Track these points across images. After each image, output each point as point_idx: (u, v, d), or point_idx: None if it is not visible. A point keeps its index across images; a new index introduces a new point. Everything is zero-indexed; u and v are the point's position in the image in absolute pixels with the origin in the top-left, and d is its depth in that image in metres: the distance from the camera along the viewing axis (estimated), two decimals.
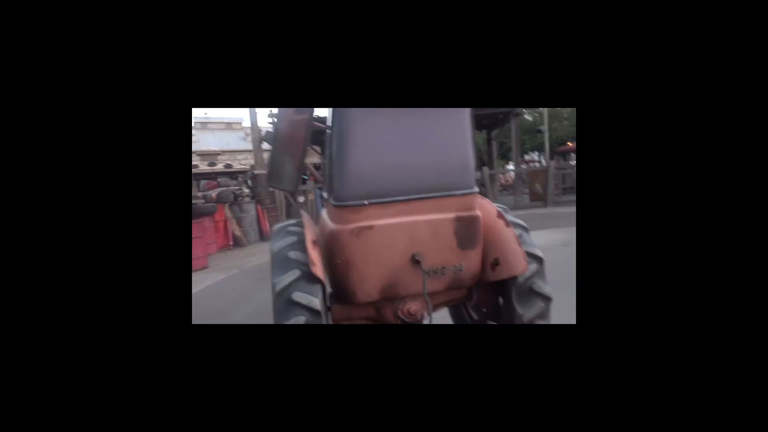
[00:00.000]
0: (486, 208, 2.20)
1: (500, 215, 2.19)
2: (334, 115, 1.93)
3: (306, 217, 2.26)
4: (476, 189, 2.07)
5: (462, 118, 2.04)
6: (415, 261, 1.94)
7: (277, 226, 2.19)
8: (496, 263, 2.06)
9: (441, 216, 1.97)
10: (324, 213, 2.19)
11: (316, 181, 2.79)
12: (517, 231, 2.16)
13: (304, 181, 10.00)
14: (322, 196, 2.39)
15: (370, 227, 1.87)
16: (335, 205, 1.88)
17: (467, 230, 2.02)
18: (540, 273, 2.10)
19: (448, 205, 1.99)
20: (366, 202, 1.85)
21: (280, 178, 2.41)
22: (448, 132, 2.00)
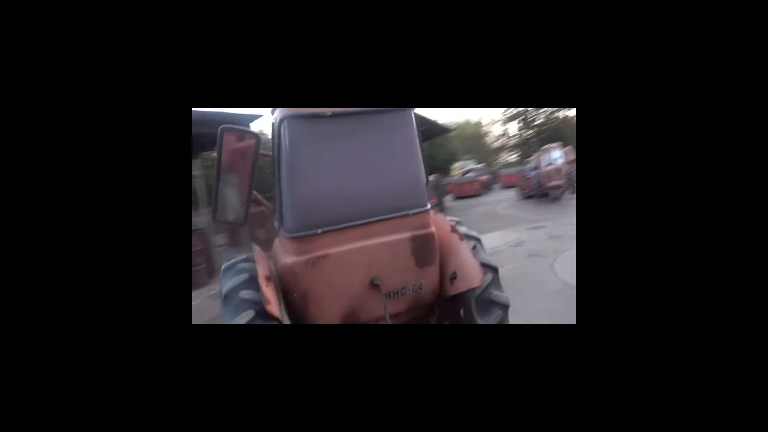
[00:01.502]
0: (439, 224, 2.21)
1: (453, 229, 2.20)
2: (275, 140, 1.86)
3: (258, 251, 2.15)
4: (429, 206, 2.07)
5: (410, 134, 2.02)
6: (374, 285, 1.92)
7: (226, 263, 2.06)
8: (453, 277, 2.07)
9: (397, 237, 1.96)
10: (276, 244, 2.11)
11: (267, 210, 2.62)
12: (471, 243, 2.18)
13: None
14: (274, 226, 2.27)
15: (326, 256, 1.81)
16: (287, 237, 1.81)
17: (424, 248, 2.02)
18: (496, 282, 2.12)
19: (403, 225, 1.98)
20: (319, 230, 1.79)
21: (225, 211, 2.18)
22: (396, 149, 1.97)
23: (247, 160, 2.09)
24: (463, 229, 2.28)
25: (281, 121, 1.79)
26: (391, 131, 1.96)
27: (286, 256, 1.85)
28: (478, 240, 2.29)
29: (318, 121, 1.79)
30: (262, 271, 1.84)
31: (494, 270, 2.14)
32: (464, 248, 2.11)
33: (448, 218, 2.34)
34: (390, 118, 1.96)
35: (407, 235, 1.98)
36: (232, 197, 2.16)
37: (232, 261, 2.02)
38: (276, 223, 2.10)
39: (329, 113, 1.80)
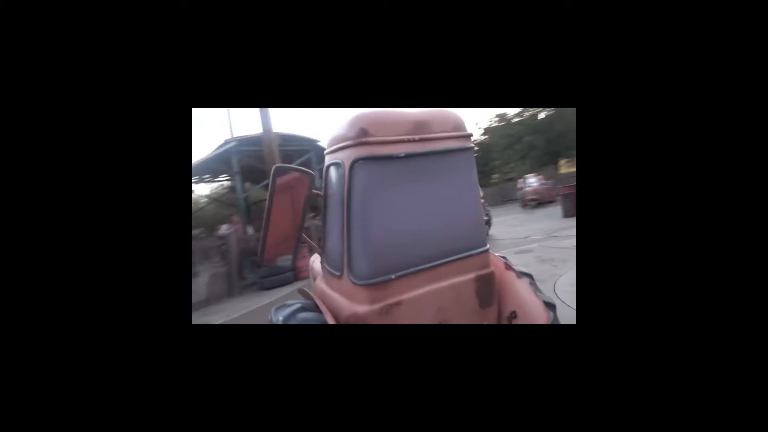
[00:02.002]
0: (494, 262, 2.14)
1: (508, 266, 2.13)
2: (347, 182, 1.73)
3: (320, 297, 1.99)
4: (488, 246, 2.01)
5: (472, 172, 1.98)
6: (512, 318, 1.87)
7: (282, 313, 1.89)
8: (513, 316, 1.98)
9: (462, 278, 1.90)
10: (330, 291, 1.96)
11: (311, 250, 2.45)
12: (527, 280, 2.11)
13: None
14: (324, 268, 2.11)
15: (399, 303, 1.70)
16: (359, 284, 1.69)
17: (486, 288, 1.96)
18: (556, 320, 2.05)
19: (467, 265, 1.92)
20: (393, 276, 1.69)
21: (273, 253, 2.09)
22: (459, 188, 1.92)
23: (298, 200, 2.01)
24: (519, 268, 2.22)
25: (354, 162, 1.69)
26: (455, 170, 1.91)
27: (355, 305, 1.71)
28: (531, 276, 2.22)
29: (391, 163, 1.71)
30: (331, 322, 1.71)
31: (553, 307, 2.07)
32: (523, 286, 2.04)
33: (499, 255, 2.28)
34: (455, 157, 1.92)
35: (471, 276, 1.93)
36: (280, 239, 2.04)
37: (288, 311, 1.83)
38: (329, 268, 1.98)
39: (402, 154, 1.72)
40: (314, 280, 2.56)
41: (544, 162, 21.99)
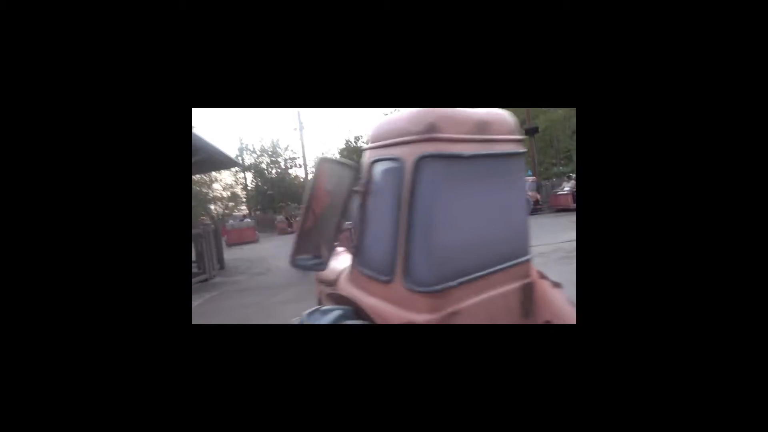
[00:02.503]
0: (532, 270, 2.08)
1: (542, 275, 2.05)
2: (408, 180, 1.60)
3: (366, 306, 1.78)
4: (530, 254, 1.97)
5: (522, 178, 1.94)
6: None
7: (311, 315, 1.77)
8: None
9: (510, 287, 1.83)
10: (367, 296, 1.79)
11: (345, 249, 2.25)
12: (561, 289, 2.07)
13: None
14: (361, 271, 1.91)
15: (457, 312, 1.60)
16: (417, 291, 1.56)
17: (528, 298, 1.92)
18: None
19: (514, 274, 1.85)
20: (455, 282, 1.59)
21: (307, 252, 1.89)
22: (510, 194, 1.87)
23: (340, 197, 1.88)
24: (551, 277, 2.18)
25: (420, 159, 1.58)
26: (507, 175, 1.85)
27: (412, 313, 1.59)
28: (561, 286, 2.15)
29: (456, 162, 1.62)
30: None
31: None
32: (558, 295, 1.98)
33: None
34: (509, 161, 1.86)
35: (517, 285, 1.87)
36: (317, 238, 1.89)
37: (332, 316, 1.72)
38: (369, 272, 1.83)
39: (467, 154, 1.64)
40: (328, 284, 2.41)
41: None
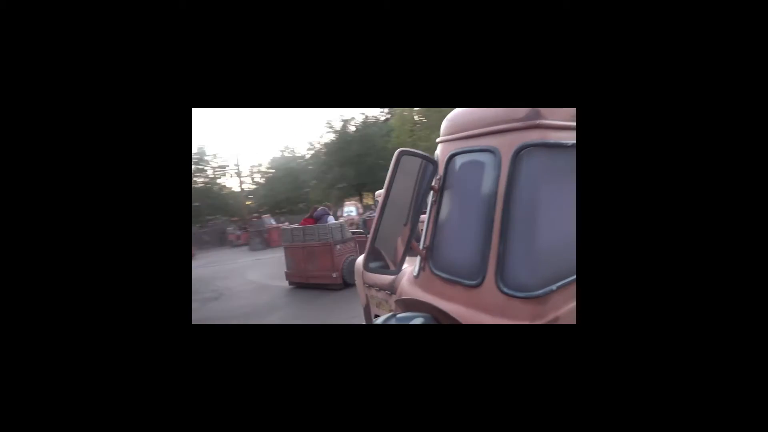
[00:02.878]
0: None
1: None
2: (506, 173, 1.44)
3: (425, 309, 1.66)
4: None
5: None
6: None
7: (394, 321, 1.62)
8: None
9: None
10: (445, 302, 1.61)
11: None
12: None
13: None
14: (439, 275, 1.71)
15: (557, 319, 1.43)
16: (516, 296, 1.40)
17: None
18: None
19: None
20: (554, 287, 1.42)
21: (382, 253, 1.71)
22: None
23: (417, 194, 1.74)
24: None
25: (522, 148, 1.43)
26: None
27: (510, 321, 1.44)
28: None
29: (558, 153, 1.46)
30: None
31: None
32: None
33: None
34: None
35: None
36: (392, 237, 1.73)
37: (414, 322, 1.60)
38: (450, 276, 1.64)
39: (570, 143, 1.46)
40: (382, 288, 2.22)
41: (351, 194, 23.31)
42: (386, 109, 25.29)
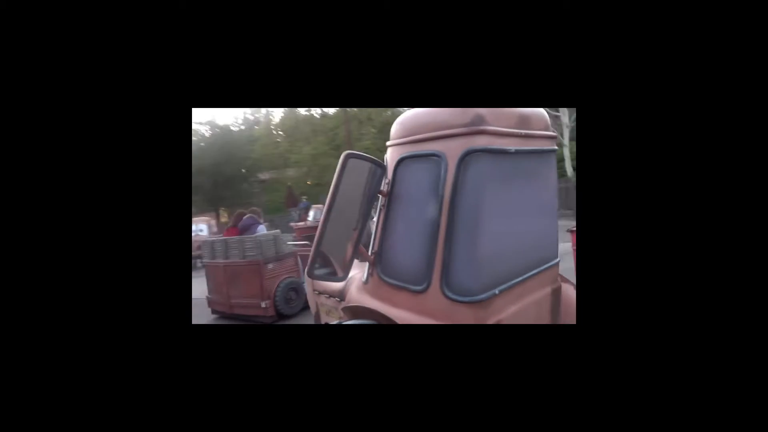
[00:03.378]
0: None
1: (564, 278, 2.00)
2: (451, 178, 1.45)
3: (369, 316, 1.70)
4: (559, 257, 1.88)
5: (554, 177, 1.83)
6: None
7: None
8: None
9: (542, 293, 1.74)
10: (390, 307, 1.61)
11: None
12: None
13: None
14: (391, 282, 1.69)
15: (500, 322, 1.48)
16: (460, 301, 1.42)
17: (557, 303, 1.84)
18: None
19: (545, 278, 1.78)
20: (497, 290, 1.47)
21: (327, 261, 1.66)
22: (543, 194, 1.76)
23: (365, 198, 1.70)
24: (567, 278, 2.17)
25: (467, 154, 1.42)
26: (541, 174, 1.74)
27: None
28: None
29: (501, 159, 1.49)
30: None
31: None
32: (573, 293, 1.94)
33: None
34: (544, 159, 1.75)
35: (548, 289, 1.79)
36: (339, 243, 1.67)
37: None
38: (396, 281, 1.64)
39: (513, 150, 1.51)
40: (332, 295, 2.28)
41: (204, 208, 19.97)
42: (253, 113, 23.01)
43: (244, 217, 6.13)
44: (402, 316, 1.56)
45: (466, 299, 1.41)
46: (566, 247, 6.23)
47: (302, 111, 20.80)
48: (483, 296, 1.41)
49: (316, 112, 20.84)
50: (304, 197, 17.39)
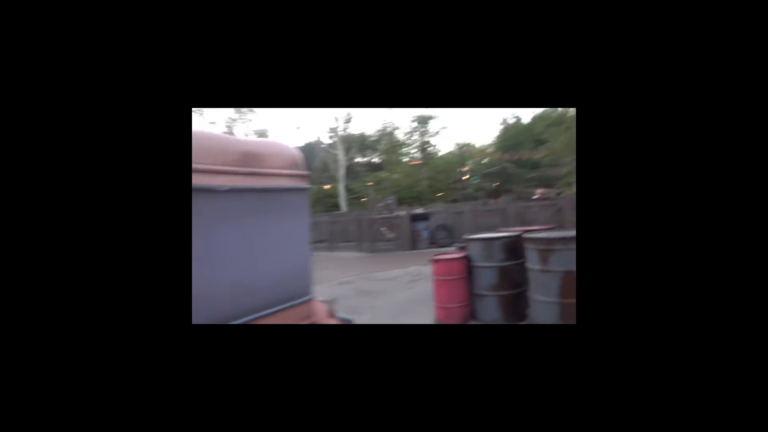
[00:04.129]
0: (318, 310, 2.08)
1: (330, 314, 2.11)
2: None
3: None
4: (313, 294, 1.92)
5: (303, 215, 1.87)
6: None
7: None
8: None
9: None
10: None
11: None
12: None
13: None
14: None
15: None
16: None
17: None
18: None
19: (293, 315, 1.83)
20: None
21: None
22: (288, 232, 1.81)
23: None
24: (340, 314, 2.23)
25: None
26: (285, 211, 1.81)
27: None
28: (353, 321, 2.25)
29: (210, 197, 1.51)
30: None
31: None
32: None
33: (322, 299, 2.27)
34: (287, 197, 1.82)
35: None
36: None
37: None
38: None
39: (223, 188, 1.54)
40: None
41: None
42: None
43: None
44: None
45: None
46: (426, 270, 6.18)
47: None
48: None
49: None
50: None
